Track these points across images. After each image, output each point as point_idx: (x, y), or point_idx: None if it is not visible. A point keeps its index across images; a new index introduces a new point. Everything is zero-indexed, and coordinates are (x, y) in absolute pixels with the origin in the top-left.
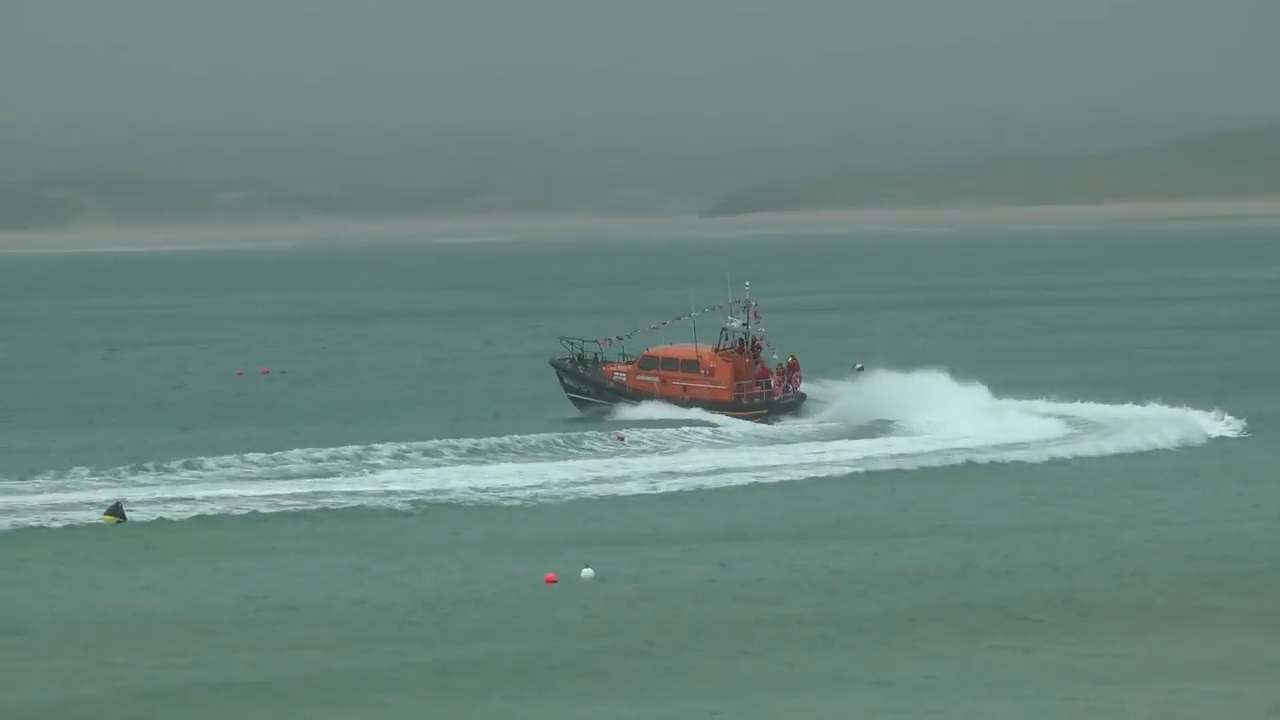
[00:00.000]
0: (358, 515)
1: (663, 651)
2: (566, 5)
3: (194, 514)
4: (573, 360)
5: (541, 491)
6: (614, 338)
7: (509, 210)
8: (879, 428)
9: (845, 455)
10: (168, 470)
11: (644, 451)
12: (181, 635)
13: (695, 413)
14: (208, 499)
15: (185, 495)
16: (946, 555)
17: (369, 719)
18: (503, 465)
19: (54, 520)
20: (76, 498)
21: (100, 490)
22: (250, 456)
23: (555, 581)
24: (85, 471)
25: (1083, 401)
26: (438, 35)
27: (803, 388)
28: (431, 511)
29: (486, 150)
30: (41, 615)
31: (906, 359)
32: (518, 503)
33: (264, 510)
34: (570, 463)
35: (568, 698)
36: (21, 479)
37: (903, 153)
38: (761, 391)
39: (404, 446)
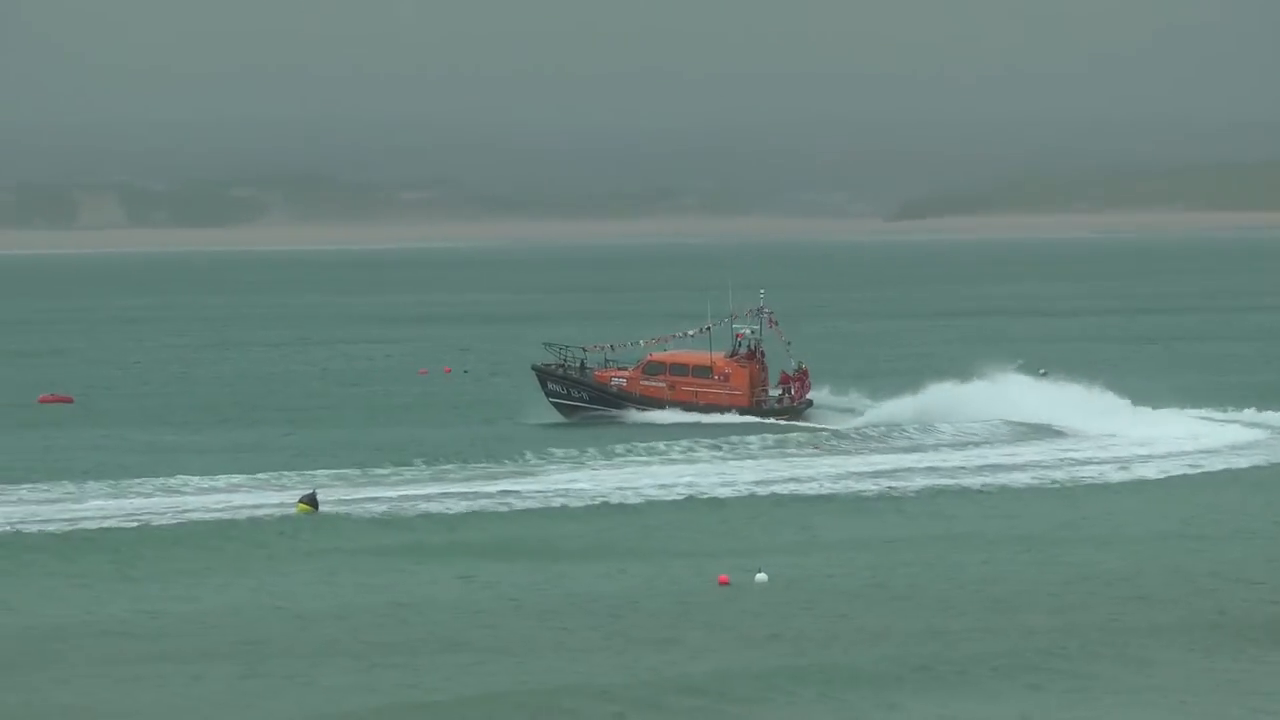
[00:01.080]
0: (531, 517)
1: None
2: (753, 11)
3: (383, 509)
4: (559, 365)
5: (720, 491)
6: (609, 345)
7: (699, 213)
8: (1050, 431)
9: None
10: (362, 466)
11: (825, 454)
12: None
13: (729, 417)
14: (402, 496)
15: (376, 495)
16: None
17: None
18: (693, 466)
19: (255, 513)
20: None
21: (296, 488)
22: (432, 454)
23: (728, 584)
24: (285, 467)
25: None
26: (621, 33)
27: (810, 394)
28: (606, 512)
29: (677, 152)
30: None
31: (1077, 367)
32: (688, 502)
33: (455, 510)
34: (748, 463)
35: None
36: (215, 475)
37: (1089, 157)
38: (784, 397)
39: (574, 451)
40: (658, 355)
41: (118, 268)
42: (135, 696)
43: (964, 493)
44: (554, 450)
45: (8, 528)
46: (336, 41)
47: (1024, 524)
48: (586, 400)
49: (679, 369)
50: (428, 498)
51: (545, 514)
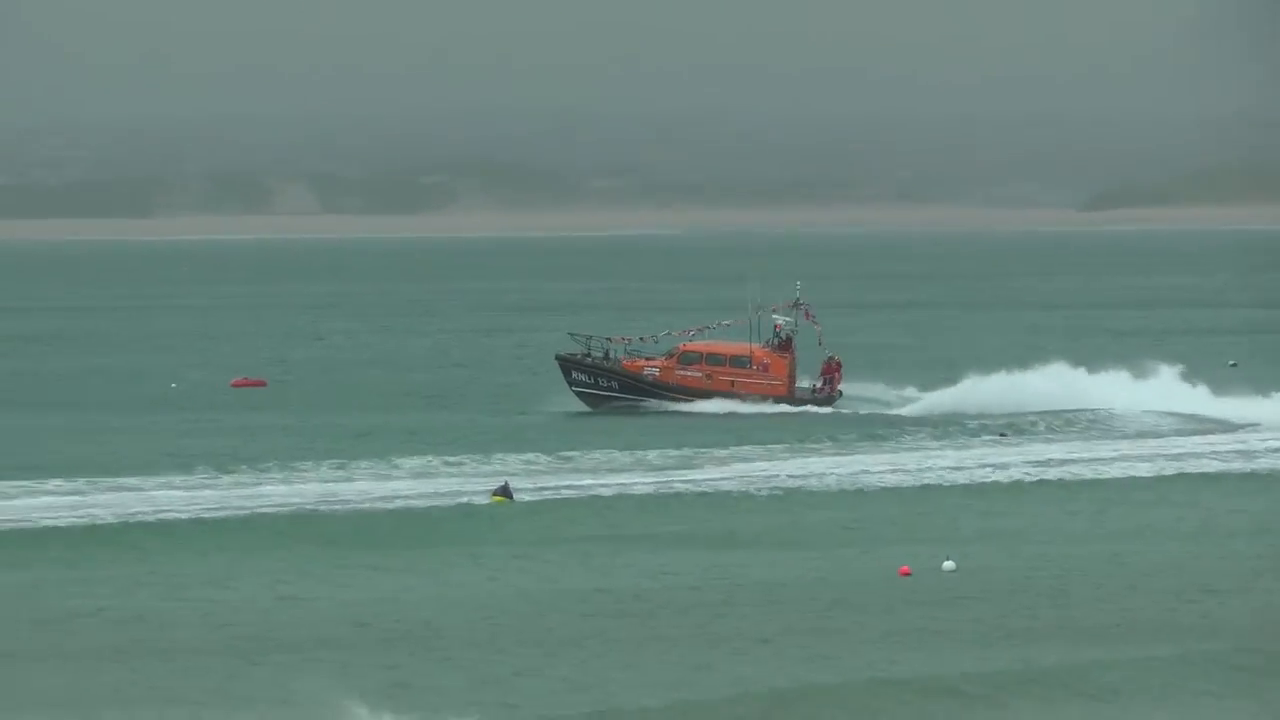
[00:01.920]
0: (715, 505)
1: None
2: (938, 15)
3: (581, 498)
4: (585, 355)
5: (897, 480)
6: (637, 337)
7: (890, 201)
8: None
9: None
10: (554, 454)
11: (1016, 444)
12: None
13: (766, 406)
14: (598, 485)
15: (571, 483)
16: None
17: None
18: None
19: (451, 502)
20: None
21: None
22: (628, 443)
23: (910, 574)
24: (478, 453)
25: None
26: (812, 30)
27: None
28: (790, 499)
29: (868, 140)
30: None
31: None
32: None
33: (640, 492)
34: (919, 453)
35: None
36: (408, 457)
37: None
38: (824, 387)
39: (757, 440)
40: (692, 345)
41: (311, 253)
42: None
43: (1147, 482)
44: (737, 439)
45: (232, 511)
46: (526, 34)
47: (1198, 514)
48: (617, 390)
49: (715, 359)
50: (620, 485)
51: (728, 502)
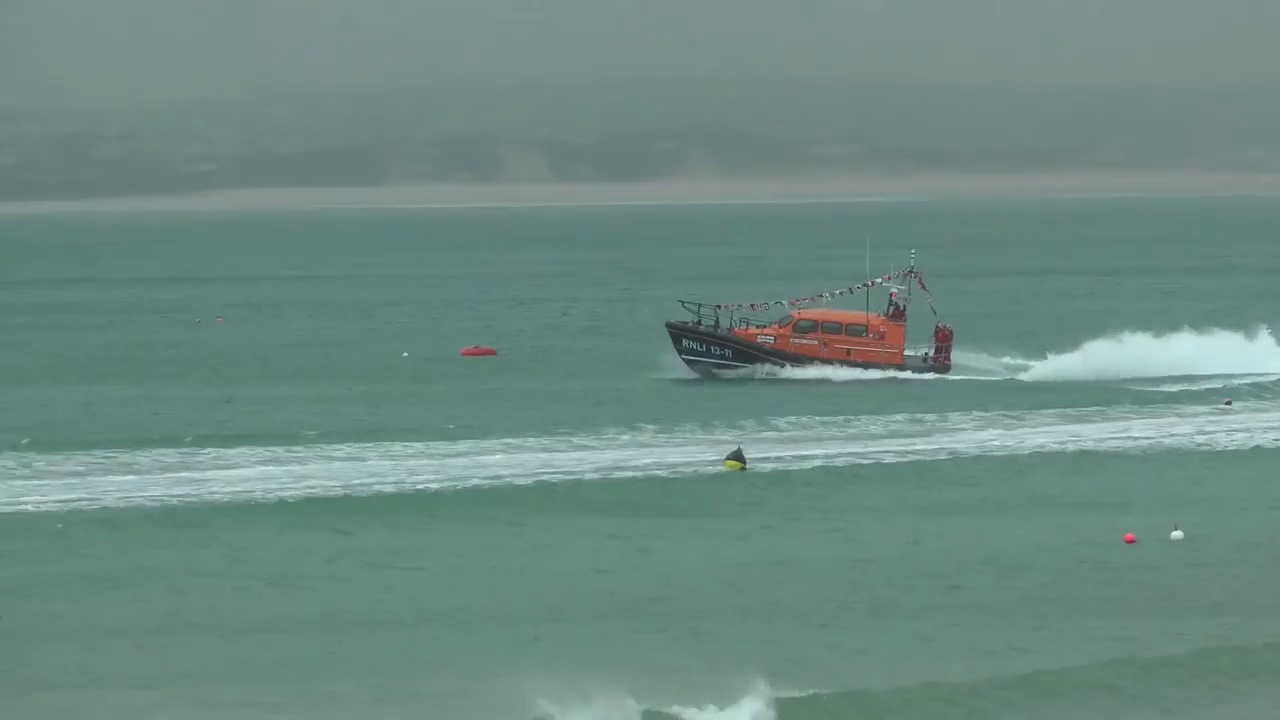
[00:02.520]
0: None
1: None
2: None
3: (810, 466)
4: (696, 323)
5: (1122, 448)
6: (748, 304)
7: (1120, 168)
8: None
9: None
10: (764, 421)
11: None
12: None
13: (874, 373)
14: (820, 454)
15: (795, 451)
16: None
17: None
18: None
19: (688, 471)
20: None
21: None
22: (828, 410)
23: (1134, 542)
24: (718, 423)
25: None
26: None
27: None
28: (998, 467)
29: (1097, 106)
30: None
31: None
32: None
33: (865, 464)
34: (1150, 421)
35: None
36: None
37: None
38: (938, 355)
39: (980, 409)
40: (808, 313)
41: (540, 221)
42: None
43: None
44: (960, 407)
45: (480, 482)
46: (755, 2)
47: None
48: (730, 358)
49: (832, 327)
50: (846, 455)
51: (952, 470)
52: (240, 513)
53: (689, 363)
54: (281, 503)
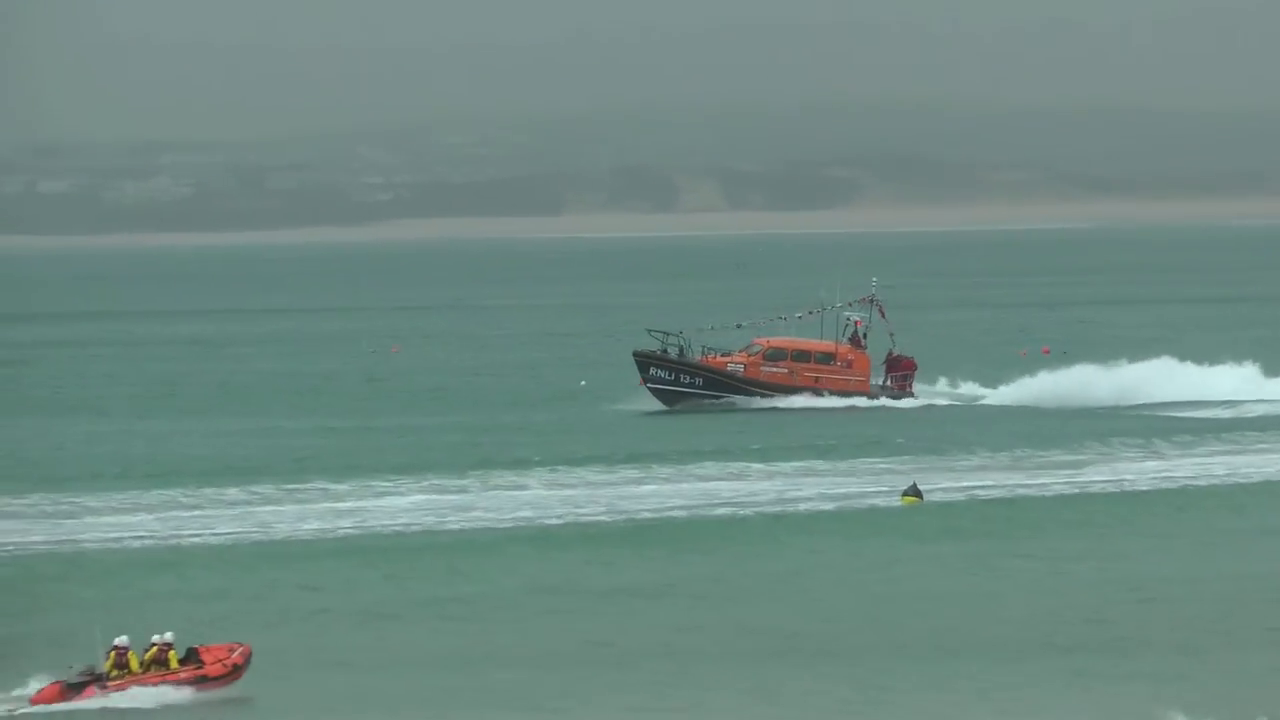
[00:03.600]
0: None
1: None
2: None
3: (986, 498)
4: (662, 352)
5: None
6: (709, 327)
7: None
8: None
9: None
10: (943, 452)
11: None
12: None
13: (852, 401)
14: (997, 484)
15: (955, 483)
16: None
17: None
18: None
19: (856, 505)
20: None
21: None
22: (965, 444)
23: None
24: (880, 451)
25: None
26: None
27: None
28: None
29: (1266, 132)
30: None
31: None
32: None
33: (1037, 493)
34: None
35: None
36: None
37: None
38: (897, 383)
39: (1139, 438)
40: (777, 341)
41: (715, 250)
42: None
43: None
44: (1120, 438)
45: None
46: (928, 29)
47: None
48: (700, 386)
49: (801, 355)
50: (1008, 485)
51: (1134, 500)
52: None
53: (655, 393)
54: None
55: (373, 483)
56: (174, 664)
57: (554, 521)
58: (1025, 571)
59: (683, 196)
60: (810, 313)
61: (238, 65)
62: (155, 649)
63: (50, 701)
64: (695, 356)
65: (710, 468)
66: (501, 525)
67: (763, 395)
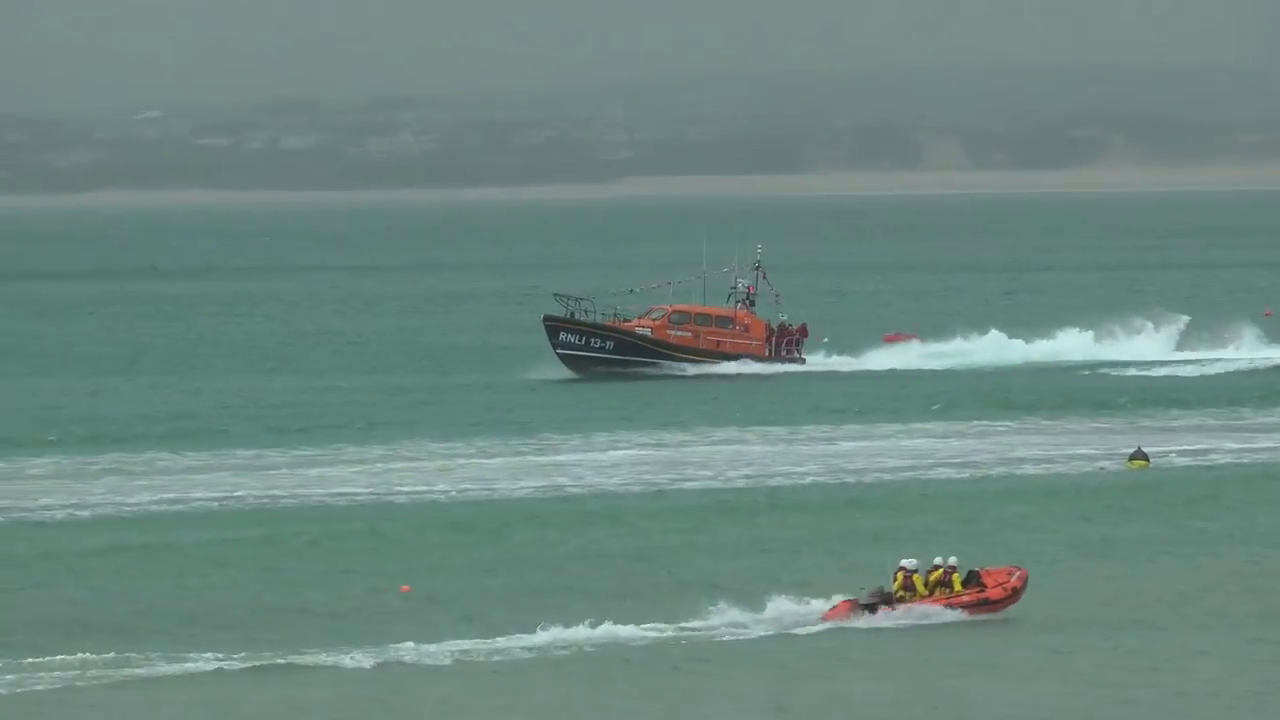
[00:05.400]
0: None
1: None
2: None
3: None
4: (571, 317)
5: None
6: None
7: None
8: None
9: None
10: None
11: None
12: None
13: (740, 365)
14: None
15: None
16: None
17: None
18: None
19: (1080, 468)
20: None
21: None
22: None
23: None
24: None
25: None
26: None
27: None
28: None
29: None
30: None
31: None
32: None
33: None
34: None
35: None
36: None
37: None
38: (793, 348)
39: None
40: (682, 306)
41: (960, 210)
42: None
43: None
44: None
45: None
46: None
47: None
48: (612, 350)
49: (704, 319)
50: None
51: None
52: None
53: (565, 359)
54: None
55: None
56: (957, 586)
57: None
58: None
59: (925, 155)
60: (695, 278)
61: (479, 19)
62: (939, 571)
63: (840, 618)
64: (605, 321)
65: None
66: None
67: (671, 360)
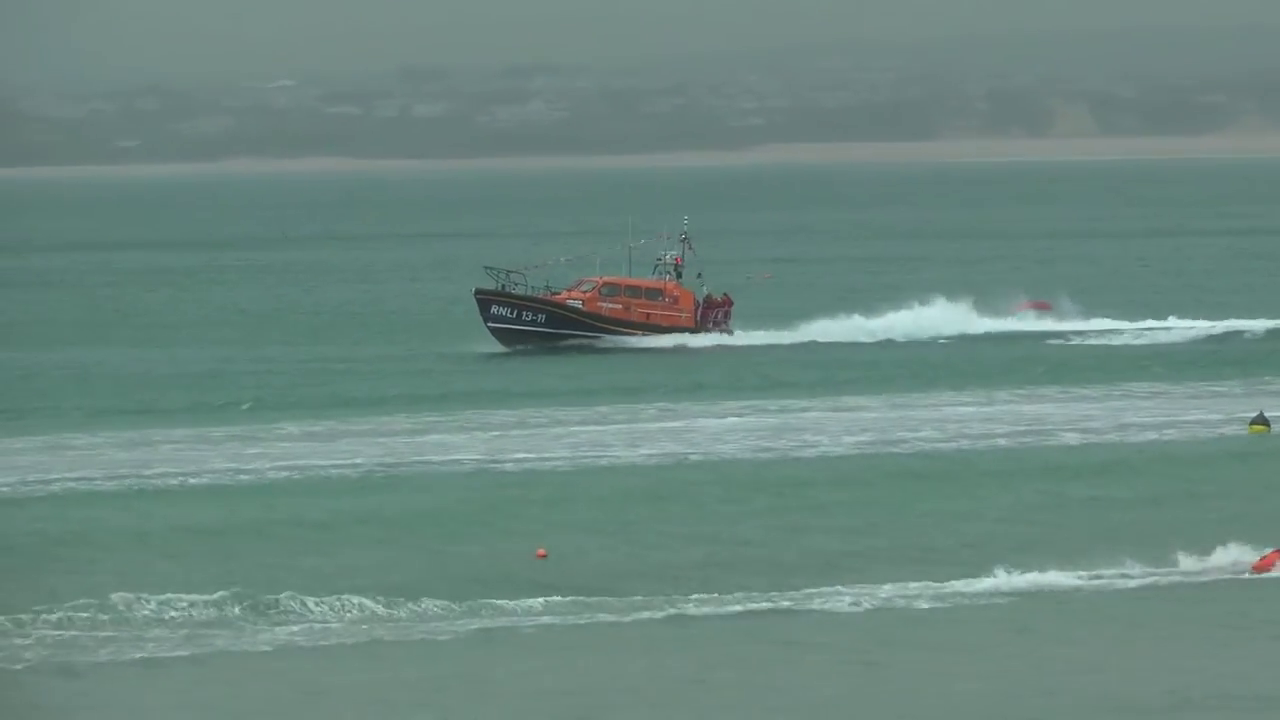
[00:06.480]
0: None
1: None
2: None
3: None
4: (501, 289)
5: None
6: (533, 267)
7: None
8: None
9: None
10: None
11: None
12: None
13: (672, 338)
14: None
15: None
16: None
17: None
18: None
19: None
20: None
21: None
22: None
23: None
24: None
25: None
26: None
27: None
28: None
29: None
30: None
31: None
32: None
33: None
34: None
35: None
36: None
37: None
38: (724, 319)
39: None
40: (613, 278)
41: (1088, 175)
42: None
43: None
44: None
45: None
46: None
47: None
48: (543, 323)
49: (634, 291)
50: None
51: None
52: None
53: (496, 332)
54: None
55: None
56: None
57: None
58: None
59: (1056, 122)
60: (621, 248)
61: None
62: None
63: (1268, 569)
64: (537, 293)
65: None
66: None
67: (603, 332)
